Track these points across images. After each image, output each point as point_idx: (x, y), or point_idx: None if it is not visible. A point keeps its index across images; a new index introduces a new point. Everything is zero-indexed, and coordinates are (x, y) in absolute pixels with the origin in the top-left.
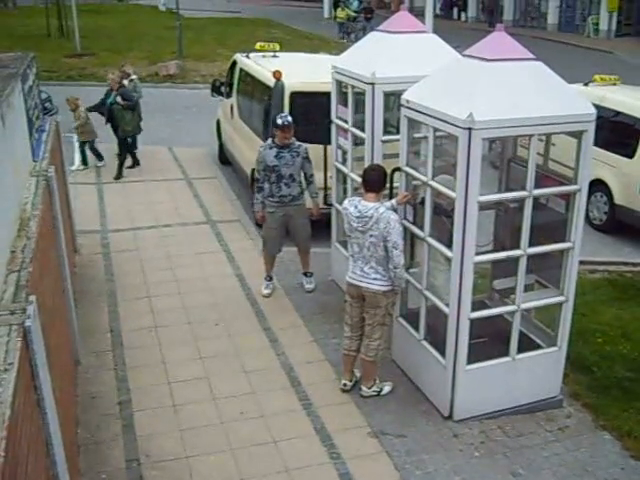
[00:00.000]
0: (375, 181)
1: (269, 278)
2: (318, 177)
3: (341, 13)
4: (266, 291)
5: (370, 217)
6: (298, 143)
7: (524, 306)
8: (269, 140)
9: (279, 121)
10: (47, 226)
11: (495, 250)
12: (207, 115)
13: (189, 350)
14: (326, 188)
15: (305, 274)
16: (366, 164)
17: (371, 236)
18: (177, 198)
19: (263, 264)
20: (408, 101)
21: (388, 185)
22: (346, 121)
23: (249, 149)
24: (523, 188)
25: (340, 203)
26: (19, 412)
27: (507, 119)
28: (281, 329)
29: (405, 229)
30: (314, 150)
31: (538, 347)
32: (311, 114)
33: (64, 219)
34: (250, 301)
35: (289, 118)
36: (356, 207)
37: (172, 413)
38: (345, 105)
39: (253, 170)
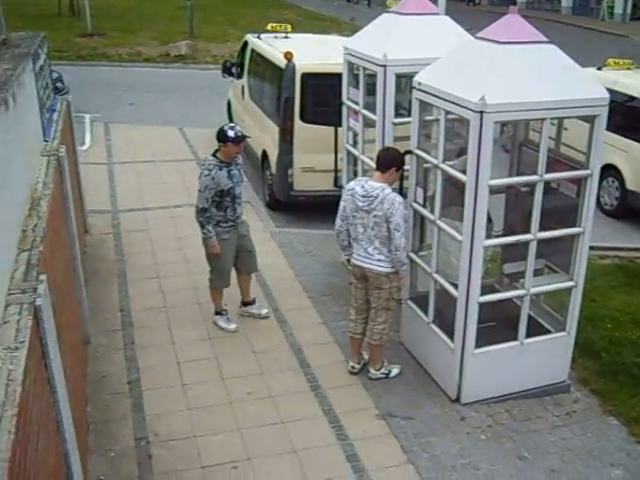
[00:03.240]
0: (383, 160)
1: (225, 312)
2: (329, 158)
3: None
4: (232, 325)
5: (375, 197)
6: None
7: (533, 290)
8: (210, 159)
9: (232, 133)
10: (58, 206)
11: (505, 234)
12: (218, 96)
13: (198, 330)
14: (336, 170)
15: (252, 302)
16: (377, 146)
17: (375, 216)
18: (187, 179)
19: (212, 299)
20: (420, 83)
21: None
22: (357, 103)
23: (260, 130)
24: (534, 172)
25: None
26: (30, 390)
27: (519, 102)
28: (290, 310)
29: (415, 212)
30: (325, 132)
31: (547, 332)
32: (322, 95)
33: (75, 199)
34: (259, 282)
35: (239, 128)
36: (363, 187)
37: (181, 393)
38: (356, 87)
39: (264, 152)
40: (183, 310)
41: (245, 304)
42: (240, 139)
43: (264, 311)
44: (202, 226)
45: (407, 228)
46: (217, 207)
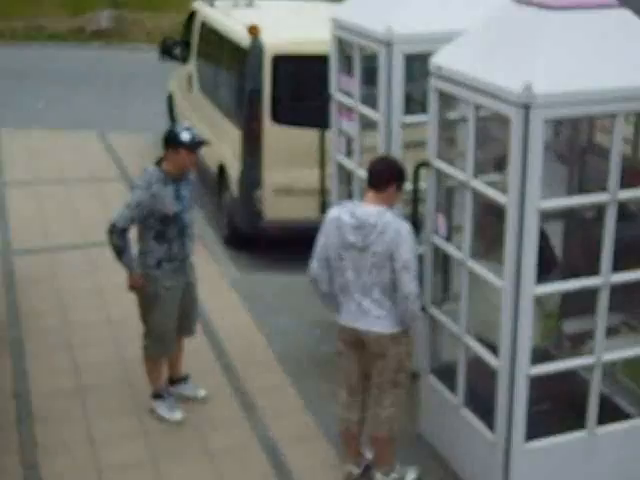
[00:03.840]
0: (378, 173)
1: (167, 394)
2: (312, 174)
3: None
4: (177, 414)
5: (373, 226)
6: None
7: (607, 358)
8: (151, 169)
9: (187, 136)
10: None
11: (564, 278)
12: (155, 88)
13: (128, 422)
14: (323, 191)
15: (185, 378)
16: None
17: (374, 254)
18: (111, 206)
19: (147, 375)
20: (440, 67)
21: (411, 186)
22: (351, 96)
23: (215, 136)
24: (603, 189)
25: None
26: None
27: (579, 91)
28: (259, 391)
29: (436, 249)
30: (306, 137)
31: (628, 416)
32: (301, 86)
33: None
34: (216, 352)
35: (196, 130)
36: (353, 214)
37: None
38: (350, 74)
39: (221, 166)
40: (106, 393)
41: (173, 382)
42: (197, 145)
43: (201, 393)
44: (120, 252)
45: (424, 272)
46: (158, 239)
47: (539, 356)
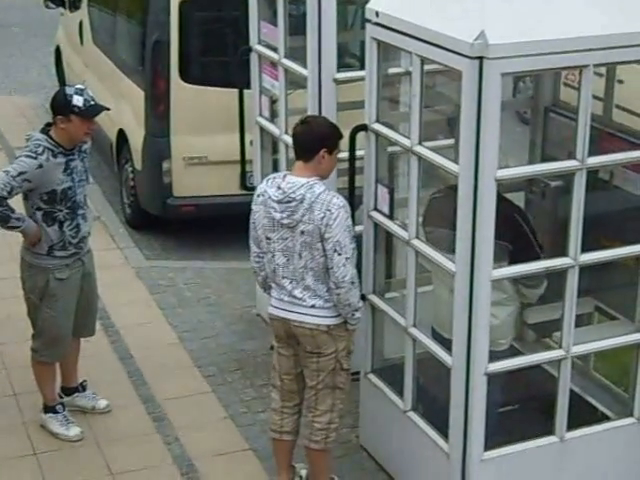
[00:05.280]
0: (304, 139)
1: (61, 407)
2: (230, 142)
3: None
4: (74, 429)
5: (300, 200)
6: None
7: (577, 350)
8: (38, 137)
9: (79, 100)
10: None
11: (532, 259)
12: (39, 39)
13: (15, 441)
14: (244, 161)
15: (82, 386)
16: None
17: (302, 233)
18: None
19: (37, 384)
20: (378, 14)
21: (346, 154)
22: (275, 49)
23: (113, 97)
24: (571, 155)
25: None
26: None
27: (541, 41)
28: (172, 400)
29: (376, 227)
30: (222, 97)
31: (603, 418)
32: (216, 37)
33: None
34: (119, 354)
35: (90, 92)
36: (279, 187)
37: None
38: (274, 22)
39: (121, 133)
40: None
41: (68, 391)
42: (94, 111)
43: (102, 403)
44: (5, 219)
45: (364, 254)
46: (47, 221)
47: (499, 352)
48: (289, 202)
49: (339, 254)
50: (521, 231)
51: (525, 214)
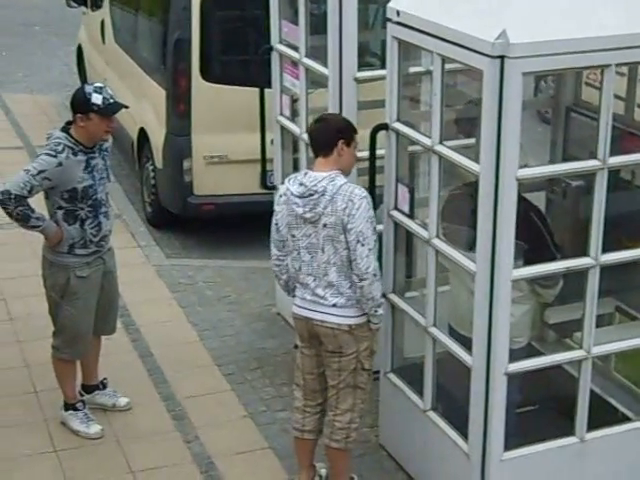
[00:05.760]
0: (319, 135)
1: (82, 404)
2: (251, 141)
3: None
4: (94, 427)
5: (322, 193)
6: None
7: (597, 351)
8: (59, 135)
9: (98, 98)
10: None
11: (547, 259)
12: (61, 38)
13: (35, 438)
14: (264, 160)
15: (102, 384)
16: None
17: (325, 226)
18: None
19: (58, 382)
20: (399, 13)
21: (367, 152)
22: (296, 48)
23: (134, 96)
24: (592, 155)
25: None
26: None
27: (563, 40)
28: (192, 398)
29: (396, 226)
30: (243, 97)
31: (624, 419)
32: (237, 36)
33: None
34: (140, 352)
35: (110, 90)
36: (300, 183)
37: None
38: (295, 21)
39: (142, 132)
40: (7, 404)
41: (88, 389)
42: (113, 108)
43: (122, 401)
44: (23, 218)
45: (384, 253)
46: (68, 220)
47: (519, 351)
48: (311, 195)
49: (362, 244)
50: (537, 230)
51: (542, 213)
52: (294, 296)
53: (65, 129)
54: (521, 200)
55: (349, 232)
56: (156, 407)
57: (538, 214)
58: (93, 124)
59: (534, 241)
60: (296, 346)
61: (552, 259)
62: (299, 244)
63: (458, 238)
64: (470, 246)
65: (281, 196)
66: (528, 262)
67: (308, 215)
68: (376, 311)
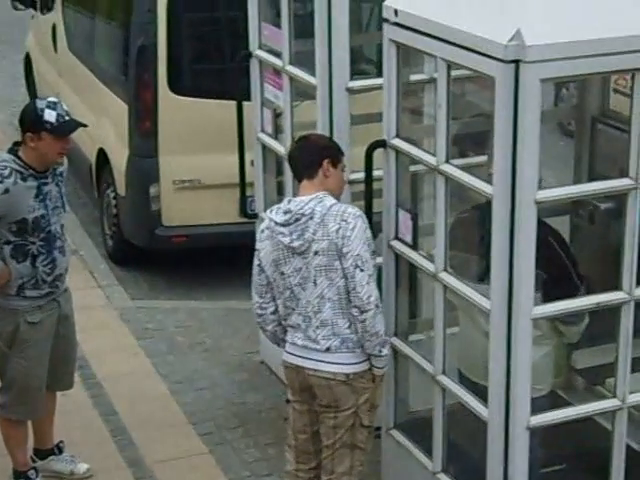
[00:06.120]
0: (301, 156)
1: (35, 472)
2: (227, 163)
3: None
4: None
5: (310, 216)
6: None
7: (633, 400)
8: (6, 158)
9: (51, 115)
10: None
11: (570, 290)
12: (6, 46)
13: None
14: (244, 185)
15: (58, 448)
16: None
17: (316, 253)
18: None
19: (5, 446)
20: (397, 12)
21: (362, 173)
22: (279, 54)
23: (92, 112)
24: (623, 172)
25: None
26: None
27: (587, 41)
28: (164, 462)
29: (398, 259)
30: (218, 111)
31: None
32: (210, 42)
33: None
34: (102, 410)
35: (65, 106)
36: (285, 211)
37: None
38: (277, 23)
39: (101, 153)
40: None
41: (42, 454)
42: (68, 127)
43: (82, 467)
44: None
45: (384, 289)
46: (16, 256)
47: (543, 400)
48: (298, 220)
49: (361, 270)
50: (557, 257)
51: (562, 237)
52: (284, 346)
53: (12, 150)
54: (539, 223)
55: (345, 257)
56: (121, 474)
57: (557, 238)
58: (45, 145)
59: (554, 270)
60: (288, 400)
61: (576, 290)
62: (291, 282)
63: (466, 268)
64: (480, 277)
65: (263, 231)
66: (547, 294)
67: (296, 244)
68: (380, 351)
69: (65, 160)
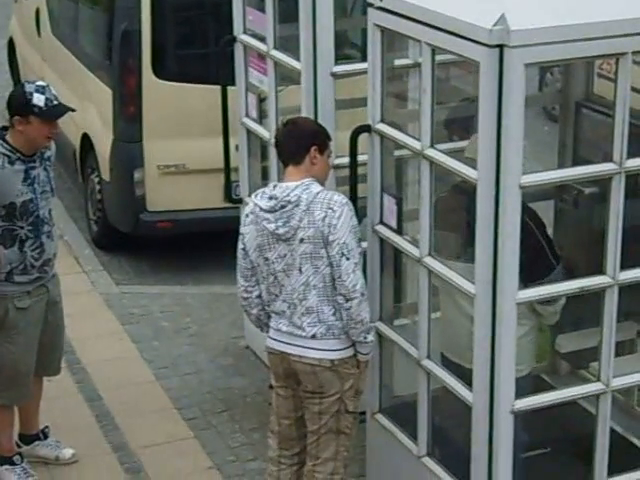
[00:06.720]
0: (289, 141)
1: (20, 457)
2: (212, 147)
3: None
4: None
5: (296, 203)
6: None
7: (618, 383)
8: None
9: (39, 98)
10: None
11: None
12: None
13: None
14: (228, 170)
15: (43, 433)
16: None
17: (302, 241)
18: None
19: None
20: None
21: (347, 158)
22: (264, 39)
23: (76, 97)
24: (607, 157)
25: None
26: None
27: (571, 25)
28: (149, 448)
29: (382, 243)
30: (203, 96)
31: None
32: (194, 26)
33: None
34: (87, 395)
35: (54, 90)
36: (270, 197)
37: None
38: (261, 8)
39: (85, 138)
40: None
41: (27, 439)
42: (57, 111)
43: (67, 453)
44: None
45: (369, 275)
46: (4, 241)
47: (527, 385)
48: (283, 207)
49: (347, 258)
50: (533, 237)
51: (539, 218)
52: (268, 331)
53: (0, 135)
54: None
55: (331, 245)
56: (106, 459)
57: (534, 218)
58: (33, 129)
59: (530, 250)
60: (271, 386)
61: (551, 269)
62: (275, 268)
63: (447, 247)
64: (459, 254)
65: (248, 215)
66: (522, 273)
67: (281, 231)
68: (365, 337)
69: (53, 144)
